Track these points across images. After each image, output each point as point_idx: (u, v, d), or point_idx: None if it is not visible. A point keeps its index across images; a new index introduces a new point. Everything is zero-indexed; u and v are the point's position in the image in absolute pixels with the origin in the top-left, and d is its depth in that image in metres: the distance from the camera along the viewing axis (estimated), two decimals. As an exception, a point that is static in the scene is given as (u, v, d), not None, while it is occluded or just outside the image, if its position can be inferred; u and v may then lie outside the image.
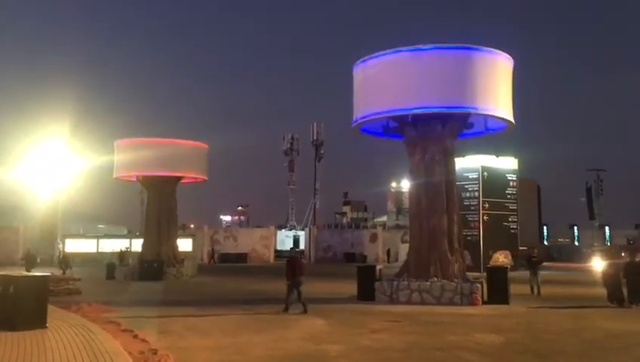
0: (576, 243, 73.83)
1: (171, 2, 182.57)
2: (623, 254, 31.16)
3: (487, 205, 36.67)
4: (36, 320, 11.51)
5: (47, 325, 11.62)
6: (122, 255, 41.55)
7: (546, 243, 66.61)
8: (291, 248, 19.16)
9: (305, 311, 15.48)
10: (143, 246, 31.84)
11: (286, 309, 15.83)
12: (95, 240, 48.87)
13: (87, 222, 64.88)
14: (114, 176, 32.06)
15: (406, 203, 58.67)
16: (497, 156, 37.85)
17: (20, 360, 8.76)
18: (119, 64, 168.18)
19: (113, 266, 30.33)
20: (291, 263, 16.50)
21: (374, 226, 63.31)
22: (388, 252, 51.88)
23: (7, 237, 45.43)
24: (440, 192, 19.06)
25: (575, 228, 77.11)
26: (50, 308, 12.56)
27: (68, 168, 47.44)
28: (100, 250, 47.20)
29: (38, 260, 38.92)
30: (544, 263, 23.61)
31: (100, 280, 28.16)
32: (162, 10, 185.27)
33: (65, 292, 19.84)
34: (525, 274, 22.27)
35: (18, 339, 10.31)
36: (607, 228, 71.48)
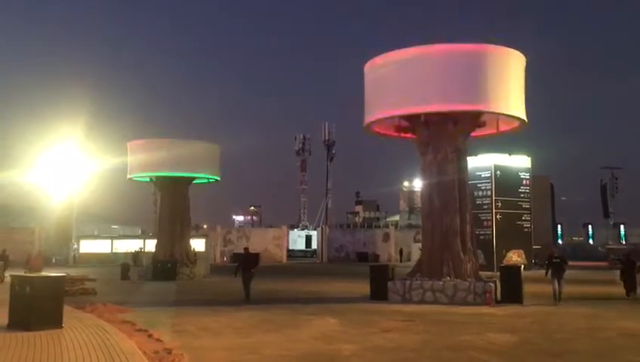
0: (591, 241, 73.28)
1: (182, 3, 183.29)
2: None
3: (500, 204, 36.55)
4: (52, 320, 11.64)
5: (63, 325, 11.75)
6: (136, 255, 41.91)
7: (560, 241, 66.18)
8: (245, 248, 21.08)
9: (245, 301, 18.26)
10: (157, 246, 32.06)
11: (247, 298, 18.55)
12: (109, 241, 49.32)
13: (102, 223, 65.44)
14: (127, 177, 32.31)
15: (418, 202, 58.47)
16: (510, 154, 37.71)
17: (37, 359, 8.87)
18: (130, 66, 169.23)
19: (127, 267, 30.55)
20: (240, 259, 19.97)
21: (387, 226, 63.26)
22: (400, 251, 51.84)
23: (23, 238, 45.91)
24: (452, 191, 19.02)
25: (589, 226, 76.53)
26: (66, 308, 12.70)
27: (82, 170, 47.87)
28: (114, 251, 47.63)
29: (51, 262, 39.28)
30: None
31: (114, 280, 28.39)
32: (171, 11, 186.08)
33: (80, 293, 20.06)
34: (540, 273, 21.87)
35: (34, 339, 10.44)
36: (622, 226, 70.85)
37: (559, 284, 17.77)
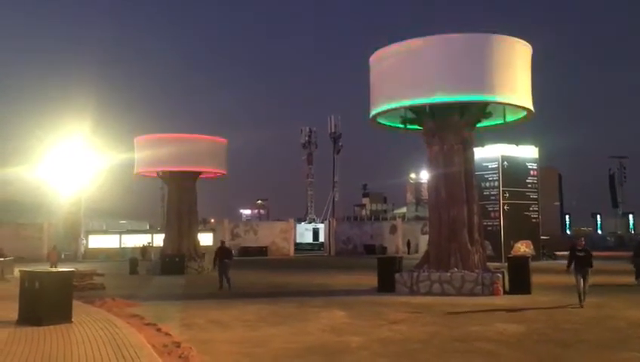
0: (599, 231, 73.00)
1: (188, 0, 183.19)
2: None
3: (507, 195, 36.44)
4: (61, 315, 11.72)
5: (72, 320, 11.82)
6: (144, 250, 42.06)
7: (568, 231, 65.95)
8: (222, 241, 24.51)
9: (229, 288, 20.51)
10: (165, 241, 32.18)
11: (220, 287, 20.74)
12: (118, 236, 49.51)
13: (110, 218, 65.65)
14: (135, 172, 32.41)
15: (425, 194, 58.42)
16: (517, 145, 37.56)
17: (47, 354, 8.94)
18: (137, 62, 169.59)
19: (136, 261, 30.68)
20: (217, 252, 22.08)
21: (394, 218, 63.20)
22: (408, 243, 51.82)
23: (31, 234, 46.19)
24: (459, 183, 18.96)
25: (598, 216, 76.24)
26: (75, 303, 12.76)
27: (89, 165, 48.05)
28: (122, 246, 47.83)
29: (61, 258, 39.36)
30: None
31: (123, 275, 28.53)
32: (176, 9, 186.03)
33: (89, 288, 20.17)
34: (547, 264, 21.81)
35: (44, 334, 10.52)
36: (630, 215, 70.53)
37: (584, 282, 14.92)
